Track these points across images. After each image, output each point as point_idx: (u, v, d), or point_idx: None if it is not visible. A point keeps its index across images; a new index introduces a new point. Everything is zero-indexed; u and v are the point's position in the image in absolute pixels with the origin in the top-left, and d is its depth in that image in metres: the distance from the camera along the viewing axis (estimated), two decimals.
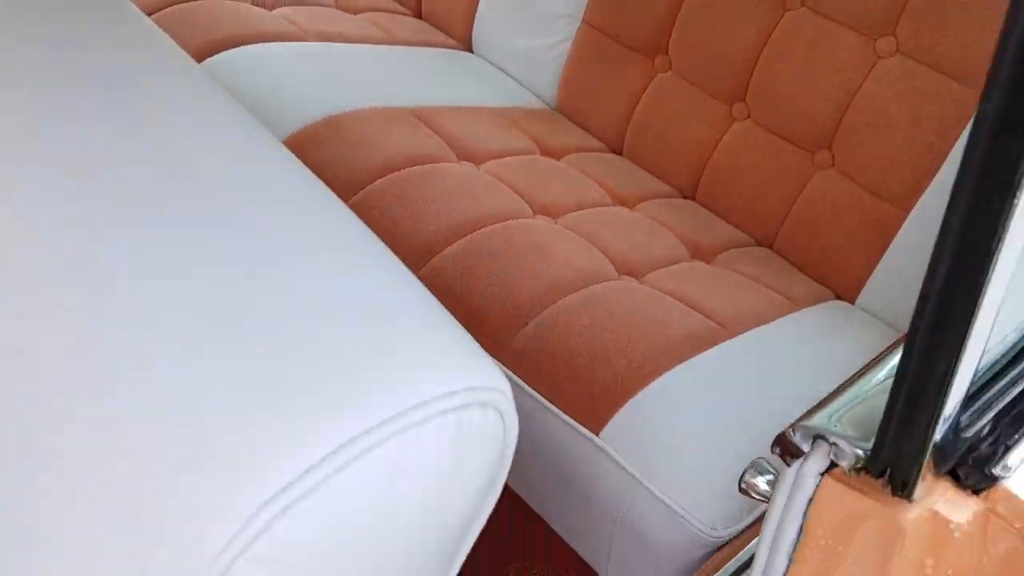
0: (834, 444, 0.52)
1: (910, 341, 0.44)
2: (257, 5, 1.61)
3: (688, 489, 0.97)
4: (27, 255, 0.36)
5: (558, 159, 1.48)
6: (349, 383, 0.38)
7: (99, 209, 0.37)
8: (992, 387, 0.54)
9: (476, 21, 1.72)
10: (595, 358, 1.06)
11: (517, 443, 1.12)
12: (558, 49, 1.62)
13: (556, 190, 1.36)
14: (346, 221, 0.44)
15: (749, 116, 1.44)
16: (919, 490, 0.52)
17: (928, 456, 0.51)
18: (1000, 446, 0.52)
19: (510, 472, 1.14)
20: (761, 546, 0.60)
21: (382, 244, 0.44)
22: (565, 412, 1.04)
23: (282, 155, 0.45)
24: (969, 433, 0.52)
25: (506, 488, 1.15)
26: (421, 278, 1.18)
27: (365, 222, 1.25)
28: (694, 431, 1.00)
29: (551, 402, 1.05)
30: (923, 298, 0.42)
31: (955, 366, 0.44)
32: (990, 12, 1.21)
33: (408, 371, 0.40)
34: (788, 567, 0.58)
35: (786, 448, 0.55)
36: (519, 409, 1.11)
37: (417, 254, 1.17)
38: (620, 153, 1.57)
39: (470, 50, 1.75)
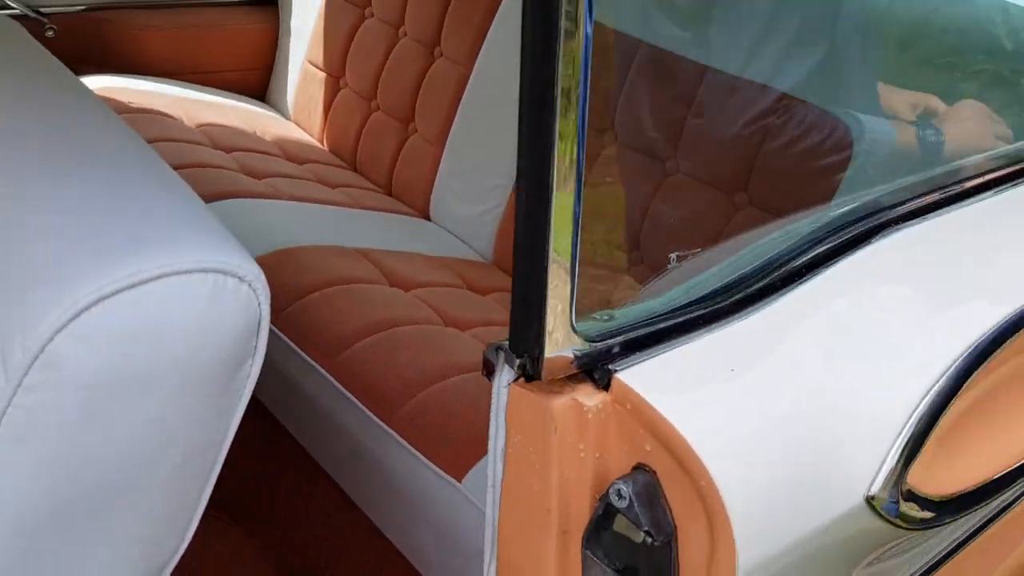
0: (504, 351, 0.74)
1: (514, 264, 0.68)
2: (247, 175, 1.96)
3: None
4: None
5: (483, 295, 1.75)
6: (145, 240, 0.63)
7: None
8: (637, 328, 0.76)
9: (432, 194, 2.06)
10: (465, 421, 1.27)
11: (398, 499, 1.30)
12: (494, 213, 1.93)
13: (471, 311, 1.61)
14: (147, 154, 0.70)
15: (643, 261, 1.71)
16: (566, 387, 0.73)
17: (574, 363, 0.73)
18: (623, 357, 0.74)
19: (391, 528, 1.31)
20: (490, 458, 0.81)
21: (187, 188, 0.70)
22: (435, 464, 1.24)
23: (103, 110, 0.71)
24: (601, 347, 0.73)
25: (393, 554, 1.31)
26: (338, 363, 1.42)
27: (298, 324, 1.50)
28: None
29: (425, 456, 1.25)
30: (517, 218, 0.67)
31: (545, 280, 0.68)
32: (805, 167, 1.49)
33: (188, 241, 0.64)
34: (504, 470, 0.79)
35: (487, 367, 0.77)
36: (402, 467, 1.30)
37: (337, 345, 1.42)
38: None
39: (428, 218, 2.07)
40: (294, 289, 1.53)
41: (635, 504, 0.71)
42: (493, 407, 0.79)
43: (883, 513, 0.75)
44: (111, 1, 2.37)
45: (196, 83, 2.45)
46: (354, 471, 1.36)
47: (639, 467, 0.73)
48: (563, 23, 0.64)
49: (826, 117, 1.43)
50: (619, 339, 0.75)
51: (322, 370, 1.38)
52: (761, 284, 0.84)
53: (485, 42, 2.01)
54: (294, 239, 1.69)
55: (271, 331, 1.48)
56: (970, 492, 0.85)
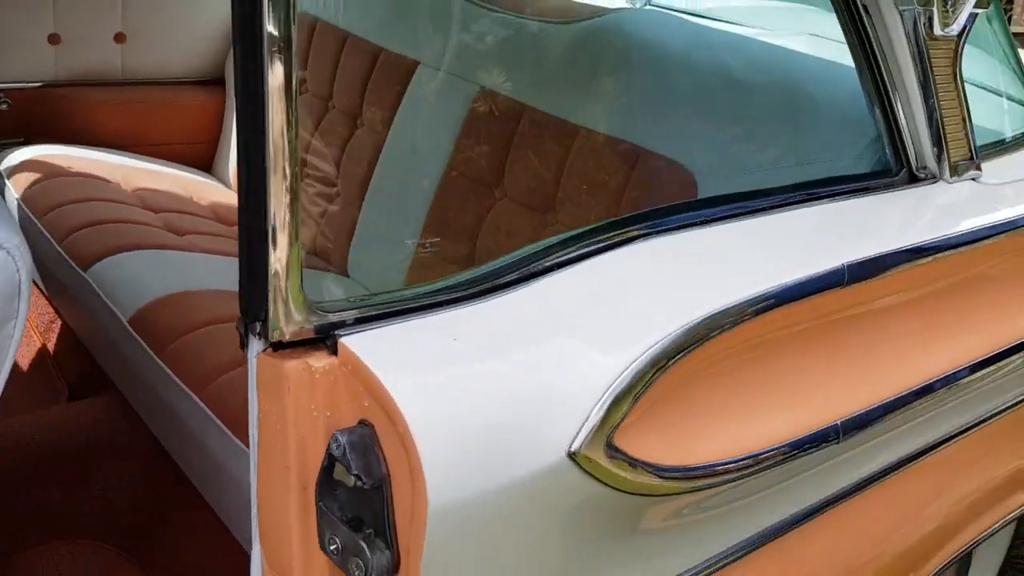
0: (247, 323, 0.83)
1: (239, 242, 0.78)
2: (170, 231, 2.08)
3: None
4: None
5: None
6: None
7: None
8: (376, 306, 0.85)
9: (351, 250, 2.17)
10: None
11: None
12: (403, 265, 2.04)
13: None
14: None
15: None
16: (303, 354, 0.82)
17: (311, 329, 0.83)
18: (353, 327, 0.83)
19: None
20: (250, 425, 0.89)
21: None
22: None
23: None
24: (335, 318, 0.82)
25: None
26: (209, 391, 1.50)
27: (181, 358, 1.59)
28: None
29: None
30: (239, 198, 0.77)
31: (265, 246, 0.77)
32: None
33: None
34: (259, 438, 0.87)
35: (241, 341, 0.86)
36: None
37: (211, 374, 1.51)
38: None
39: (347, 275, 2.19)
40: (185, 325, 1.63)
41: (347, 451, 0.79)
42: (249, 376, 0.88)
43: (589, 470, 0.83)
44: (68, 79, 2.54)
45: (147, 155, 2.60)
46: (220, 490, 1.43)
47: (362, 422, 0.81)
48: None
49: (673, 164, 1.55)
50: (353, 312, 0.84)
51: (195, 397, 1.47)
52: (511, 277, 0.94)
53: (397, 113, 2.16)
54: (197, 285, 1.80)
55: (156, 364, 1.58)
56: (704, 465, 0.92)
